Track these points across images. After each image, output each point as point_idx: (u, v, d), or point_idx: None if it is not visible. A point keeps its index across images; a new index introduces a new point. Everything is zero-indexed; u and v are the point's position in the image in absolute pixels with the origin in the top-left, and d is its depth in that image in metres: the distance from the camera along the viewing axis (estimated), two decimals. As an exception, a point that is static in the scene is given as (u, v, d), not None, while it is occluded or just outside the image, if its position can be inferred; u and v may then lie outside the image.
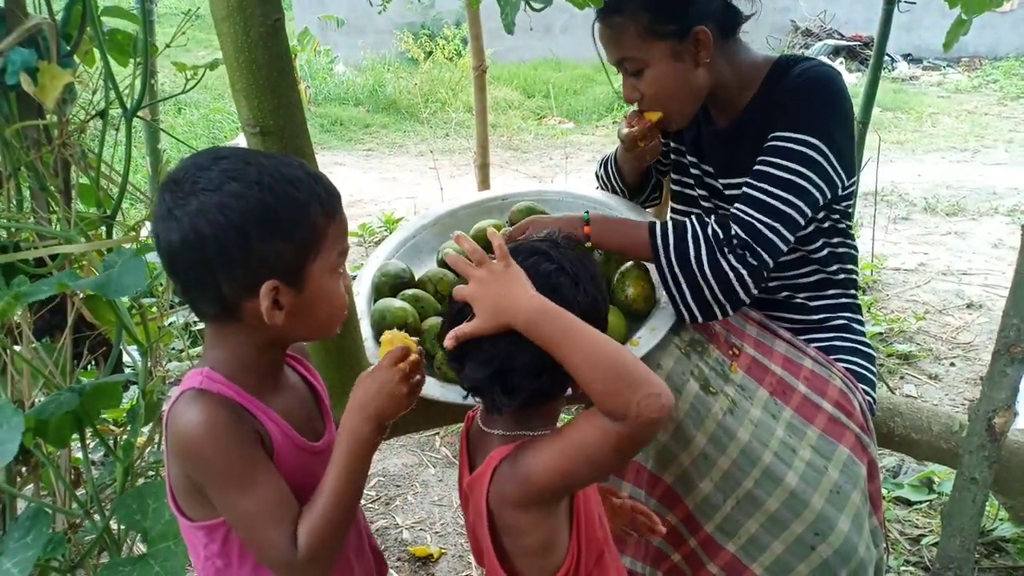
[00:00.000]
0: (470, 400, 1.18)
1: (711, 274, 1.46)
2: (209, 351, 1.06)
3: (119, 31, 1.55)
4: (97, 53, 1.41)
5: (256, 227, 0.94)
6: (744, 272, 1.46)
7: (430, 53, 11.03)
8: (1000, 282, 4.49)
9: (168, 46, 1.58)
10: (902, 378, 3.42)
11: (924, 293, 4.36)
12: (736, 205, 1.53)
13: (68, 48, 1.45)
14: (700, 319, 1.53)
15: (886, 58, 3.81)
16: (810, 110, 1.54)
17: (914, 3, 3.22)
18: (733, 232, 1.48)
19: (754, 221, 1.48)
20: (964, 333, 3.85)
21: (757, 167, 1.54)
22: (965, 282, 4.52)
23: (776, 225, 1.48)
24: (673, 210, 1.93)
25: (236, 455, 0.97)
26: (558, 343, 0.97)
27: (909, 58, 12.13)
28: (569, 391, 1.10)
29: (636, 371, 0.95)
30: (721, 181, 1.74)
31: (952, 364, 3.55)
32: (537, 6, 1.61)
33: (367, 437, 1.03)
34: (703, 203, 1.82)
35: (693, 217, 1.56)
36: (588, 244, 1.59)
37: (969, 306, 4.18)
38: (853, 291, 1.78)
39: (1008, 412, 1.36)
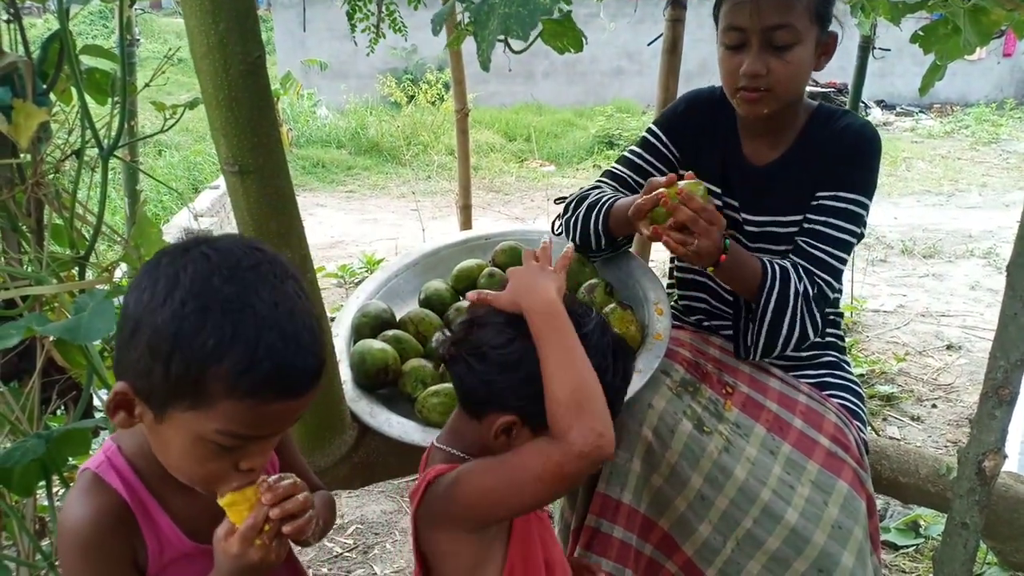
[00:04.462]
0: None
1: (798, 323, 1.54)
2: None
3: (97, 70, 1.53)
4: (74, 91, 1.39)
5: (147, 332, 0.88)
6: (813, 325, 1.56)
7: (412, 97, 11.10)
8: (978, 324, 4.52)
9: (148, 85, 1.57)
10: (885, 420, 3.41)
11: (904, 335, 4.38)
12: (804, 263, 1.57)
13: (44, 86, 1.43)
14: (758, 358, 1.62)
15: (860, 104, 3.87)
16: (864, 170, 1.61)
17: (888, 50, 3.29)
18: (814, 292, 1.55)
19: (820, 281, 1.57)
20: (945, 374, 3.86)
21: (817, 227, 1.59)
22: (944, 324, 4.55)
23: (832, 281, 1.59)
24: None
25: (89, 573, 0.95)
26: (547, 340, 1.02)
27: (882, 104, 12.38)
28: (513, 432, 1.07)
29: (594, 404, 0.99)
30: (744, 215, 1.70)
31: (934, 406, 3.55)
32: (516, 48, 1.61)
33: None
34: None
35: (788, 265, 1.56)
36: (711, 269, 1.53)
37: (949, 347, 4.20)
38: (839, 331, 1.79)
39: (997, 455, 1.34)
